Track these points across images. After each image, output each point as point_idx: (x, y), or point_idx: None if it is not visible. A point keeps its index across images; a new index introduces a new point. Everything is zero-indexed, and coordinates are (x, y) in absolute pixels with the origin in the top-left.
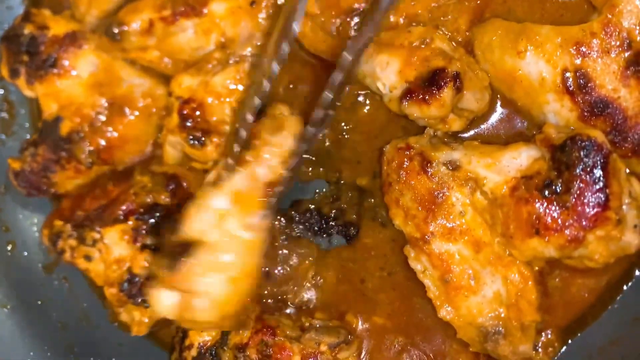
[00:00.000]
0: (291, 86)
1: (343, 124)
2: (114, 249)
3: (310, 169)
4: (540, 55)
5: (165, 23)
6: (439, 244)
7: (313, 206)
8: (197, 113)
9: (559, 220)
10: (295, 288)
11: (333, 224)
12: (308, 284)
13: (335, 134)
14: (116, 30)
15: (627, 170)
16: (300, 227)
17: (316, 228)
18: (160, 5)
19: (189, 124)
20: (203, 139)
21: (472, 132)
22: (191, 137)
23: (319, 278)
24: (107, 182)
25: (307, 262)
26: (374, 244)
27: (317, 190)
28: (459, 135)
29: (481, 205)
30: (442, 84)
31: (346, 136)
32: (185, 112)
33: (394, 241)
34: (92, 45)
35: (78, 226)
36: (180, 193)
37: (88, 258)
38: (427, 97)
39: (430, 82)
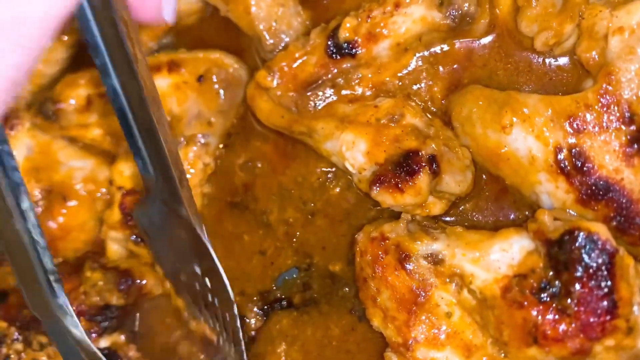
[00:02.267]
0: (249, 164)
1: (312, 204)
2: None
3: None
4: (528, 130)
5: (105, 100)
6: (423, 352)
7: (283, 296)
8: None
9: (560, 329)
10: None
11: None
12: None
13: (303, 215)
14: (51, 109)
15: (639, 258)
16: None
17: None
18: (98, 79)
19: (131, 221)
20: None
21: (455, 213)
22: (135, 235)
23: None
24: None
25: None
26: (346, 339)
27: (287, 277)
28: (441, 218)
29: (469, 304)
30: (416, 168)
31: (310, 218)
32: (127, 206)
33: (369, 340)
34: (27, 124)
35: (24, 328)
36: (134, 292)
37: None
38: (399, 184)
39: (402, 167)
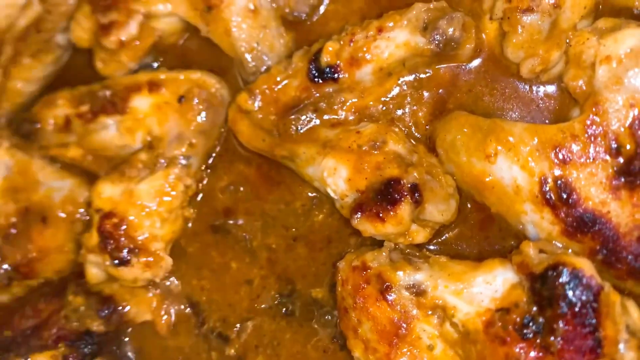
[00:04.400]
0: (232, 187)
1: (294, 229)
2: None
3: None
4: (513, 160)
5: (84, 120)
6: None
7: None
8: (121, 230)
9: None
10: None
11: None
12: None
13: (285, 241)
14: (29, 129)
15: (625, 293)
16: None
17: None
18: (77, 99)
19: (110, 244)
20: (128, 258)
21: (440, 241)
22: (114, 259)
23: None
24: (39, 298)
25: None
26: None
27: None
28: (425, 246)
29: (452, 337)
30: (398, 198)
31: (292, 243)
32: (105, 229)
33: None
34: (5, 143)
35: (4, 349)
36: (116, 319)
37: None
38: (380, 213)
39: (383, 196)
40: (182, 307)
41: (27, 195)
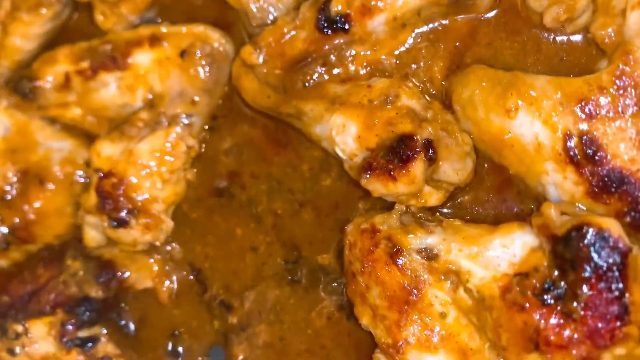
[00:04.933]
0: (236, 150)
1: (300, 194)
2: (39, 345)
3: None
4: (535, 115)
5: (84, 77)
6: (415, 354)
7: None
8: (119, 190)
9: (565, 335)
10: None
11: None
12: None
13: (291, 206)
14: (28, 87)
15: None
16: None
17: None
18: (77, 55)
19: (108, 204)
20: (127, 219)
21: (454, 205)
22: (112, 220)
23: None
24: (38, 263)
25: None
26: (323, 333)
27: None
28: (438, 210)
29: (466, 304)
30: (410, 155)
31: (298, 209)
32: (104, 189)
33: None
34: (4, 103)
35: (1, 315)
36: (115, 285)
37: (11, 352)
38: (392, 172)
39: (395, 153)
40: (185, 273)
41: (26, 156)
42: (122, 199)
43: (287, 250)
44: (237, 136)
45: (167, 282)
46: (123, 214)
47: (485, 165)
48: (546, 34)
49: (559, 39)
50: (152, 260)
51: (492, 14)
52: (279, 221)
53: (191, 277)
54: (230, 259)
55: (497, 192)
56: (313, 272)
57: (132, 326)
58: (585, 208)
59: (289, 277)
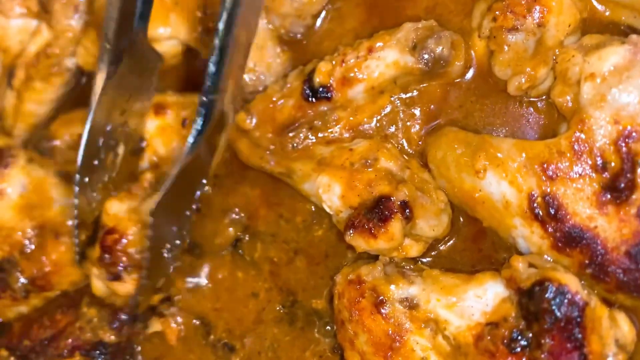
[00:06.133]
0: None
1: (294, 243)
2: None
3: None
4: (502, 175)
5: None
6: None
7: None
8: (119, 245)
9: None
10: None
11: None
12: None
13: (286, 255)
14: (46, 146)
15: (616, 305)
16: None
17: None
18: None
19: (106, 258)
20: (121, 275)
21: (434, 255)
22: (109, 273)
23: None
24: (56, 309)
25: None
26: None
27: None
28: (419, 259)
29: (444, 350)
30: (388, 215)
31: (293, 256)
32: (106, 243)
33: None
34: (21, 162)
35: (23, 358)
36: (126, 330)
37: None
38: (372, 230)
39: (374, 213)
40: (191, 319)
41: (42, 212)
42: (120, 254)
43: (283, 296)
44: (237, 197)
45: (174, 325)
46: (119, 268)
47: (461, 218)
48: (513, 99)
49: (524, 103)
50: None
51: (463, 80)
52: (274, 268)
53: (196, 321)
54: (234, 306)
55: (472, 242)
56: (308, 315)
57: None
58: (551, 259)
59: (287, 320)
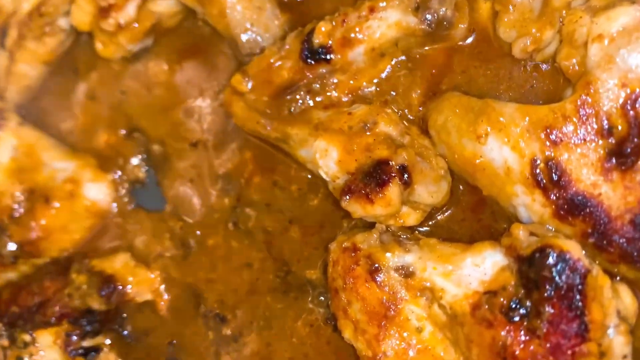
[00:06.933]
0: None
1: (288, 212)
2: (45, 354)
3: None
4: (504, 141)
5: None
6: None
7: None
8: None
9: (529, 351)
10: None
11: None
12: None
13: (281, 224)
14: None
15: (618, 278)
16: None
17: None
18: None
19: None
20: None
21: (431, 224)
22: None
23: None
24: (45, 276)
25: None
26: (305, 342)
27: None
28: (417, 229)
29: (440, 320)
30: (386, 179)
31: (288, 225)
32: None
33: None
34: (13, 124)
35: (11, 324)
36: (116, 298)
37: None
38: (369, 195)
39: (372, 177)
40: (182, 289)
41: (32, 176)
42: None
43: (277, 266)
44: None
45: (165, 296)
46: None
47: (461, 187)
48: (517, 64)
49: (529, 68)
50: (152, 276)
51: (467, 44)
52: (269, 238)
53: (187, 292)
54: (229, 276)
55: (472, 212)
56: (302, 285)
57: (133, 336)
58: (553, 229)
59: (280, 290)
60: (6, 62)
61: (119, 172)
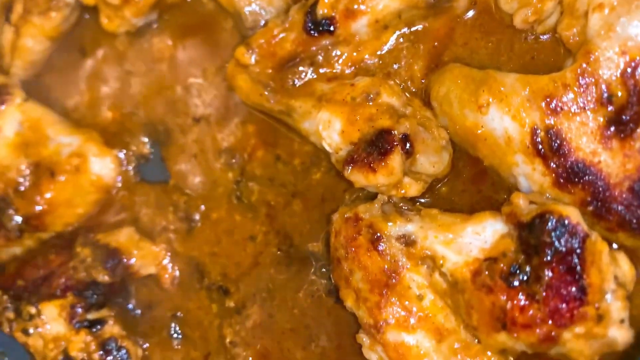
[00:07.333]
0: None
1: (291, 186)
2: (50, 326)
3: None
4: (504, 110)
5: None
6: (394, 334)
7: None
8: None
9: (529, 315)
10: None
11: None
12: None
13: (284, 198)
14: None
15: (615, 246)
16: None
17: None
18: None
19: None
20: None
21: (433, 195)
22: None
23: None
24: (49, 249)
25: None
26: (306, 313)
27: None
28: (418, 200)
29: (441, 287)
30: (388, 148)
31: (289, 199)
32: None
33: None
34: (17, 99)
35: (16, 297)
36: (120, 270)
37: (25, 332)
38: (372, 164)
39: (374, 146)
40: (186, 263)
41: (37, 150)
42: None
43: (280, 239)
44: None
45: (169, 269)
46: None
47: (462, 158)
48: (518, 35)
49: (530, 39)
50: (156, 249)
51: (468, 16)
52: (272, 211)
53: (191, 266)
54: (232, 249)
55: (472, 183)
56: (304, 258)
57: (137, 309)
58: (553, 197)
59: (283, 263)
60: (12, 37)
61: (124, 149)
